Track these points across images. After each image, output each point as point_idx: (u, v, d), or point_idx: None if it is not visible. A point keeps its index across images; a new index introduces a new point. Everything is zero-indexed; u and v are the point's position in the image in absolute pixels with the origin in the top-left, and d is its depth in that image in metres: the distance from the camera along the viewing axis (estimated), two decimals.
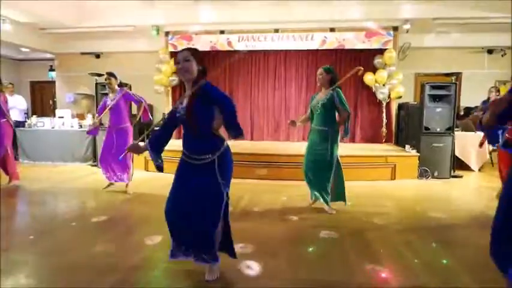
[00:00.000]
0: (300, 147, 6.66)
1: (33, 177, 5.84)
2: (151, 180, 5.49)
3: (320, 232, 3.42)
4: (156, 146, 2.46)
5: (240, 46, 7.84)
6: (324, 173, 3.95)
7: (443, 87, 6.10)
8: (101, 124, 5.61)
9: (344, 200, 4.09)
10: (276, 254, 2.86)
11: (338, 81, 3.93)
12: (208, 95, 2.20)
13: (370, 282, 2.45)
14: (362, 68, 4.19)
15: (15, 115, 7.61)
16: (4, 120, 5.23)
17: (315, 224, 3.65)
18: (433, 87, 6.09)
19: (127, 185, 4.87)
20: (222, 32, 7.88)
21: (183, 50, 2.31)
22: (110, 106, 4.70)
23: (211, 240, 2.28)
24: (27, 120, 7.64)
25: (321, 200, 4.05)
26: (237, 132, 2.23)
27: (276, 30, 7.71)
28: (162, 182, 5.22)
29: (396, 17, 7.17)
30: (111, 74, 4.80)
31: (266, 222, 3.76)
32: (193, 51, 2.28)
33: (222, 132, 2.32)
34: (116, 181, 4.91)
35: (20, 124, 7.51)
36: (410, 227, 3.61)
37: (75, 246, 3.02)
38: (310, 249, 3.03)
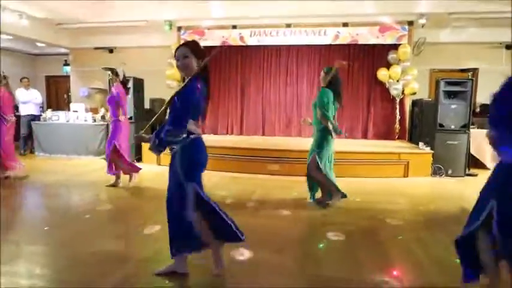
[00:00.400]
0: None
1: (48, 170, 5.96)
2: (164, 175, 5.52)
3: (330, 229, 3.40)
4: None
5: (252, 41, 7.82)
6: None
7: (459, 84, 5.97)
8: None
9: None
10: (285, 250, 2.86)
11: (337, 81, 3.96)
12: (181, 89, 2.17)
13: (380, 279, 2.43)
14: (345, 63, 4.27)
15: (31, 109, 7.78)
16: None
17: (325, 221, 3.64)
18: (449, 84, 5.97)
19: (132, 176, 4.98)
20: (234, 26, 7.86)
21: (182, 45, 2.29)
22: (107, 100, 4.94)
23: (180, 229, 2.29)
24: (42, 114, 7.77)
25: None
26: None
27: (288, 25, 7.66)
28: None
29: (411, 12, 7.03)
30: (110, 70, 4.93)
31: (276, 218, 3.76)
32: (193, 47, 2.25)
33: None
34: (124, 173, 5.01)
35: (35, 118, 7.67)
36: (423, 224, 3.56)
37: (88, 238, 3.08)
38: (320, 245, 3.02)
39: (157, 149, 2.24)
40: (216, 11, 7.46)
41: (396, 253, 2.84)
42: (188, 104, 2.14)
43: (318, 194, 4.20)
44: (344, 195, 4.06)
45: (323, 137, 3.92)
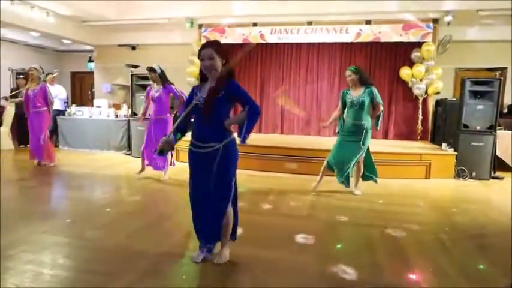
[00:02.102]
0: (331, 142, 6.57)
1: (71, 164, 6.13)
2: (182, 170, 5.59)
3: (349, 229, 3.37)
4: (180, 131, 2.55)
5: (272, 39, 7.80)
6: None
7: (485, 83, 5.78)
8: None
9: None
10: (304, 250, 2.84)
11: (367, 78, 4.42)
12: (233, 94, 2.34)
13: (399, 283, 2.38)
14: None
15: (56, 104, 7.99)
16: (45, 109, 5.68)
17: (344, 221, 3.60)
18: (475, 83, 5.79)
19: (164, 172, 5.03)
20: (254, 24, 7.86)
21: (206, 46, 2.35)
22: (153, 98, 4.95)
23: (216, 227, 2.47)
24: (67, 109, 8.00)
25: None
26: (246, 137, 2.34)
27: (309, 23, 7.59)
28: None
29: (437, 9, 6.84)
30: (151, 69, 4.94)
31: (294, 217, 3.74)
32: (217, 47, 2.32)
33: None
34: (155, 169, 5.07)
35: (60, 113, 7.90)
36: (444, 228, 3.46)
37: (109, 231, 3.15)
38: (338, 246, 2.98)
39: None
40: (237, 8, 7.48)
41: (417, 257, 2.77)
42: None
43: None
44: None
45: (370, 128, 4.34)
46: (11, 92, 7.96)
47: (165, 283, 2.30)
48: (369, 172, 4.57)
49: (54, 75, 7.37)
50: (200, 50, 2.34)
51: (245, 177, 5.41)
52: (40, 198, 4.36)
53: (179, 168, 5.68)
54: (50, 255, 2.60)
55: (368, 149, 4.47)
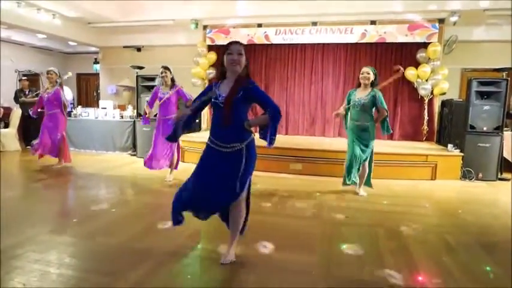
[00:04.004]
0: (335, 143, 6.56)
1: (78, 165, 6.16)
2: (187, 171, 5.60)
3: (355, 230, 3.36)
4: (186, 124, 2.65)
5: (277, 39, 7.80)
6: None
7: (492, 84, 5.73)
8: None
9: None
10: (308, 250, 2.84)
11: (377, 82, 4.34)
12: (254, 94, 2.37)
13: (406, 285, 2.37)
14: (401, 68, 4.60)
15: None
16: (58, 111, 5.77)
17: (349, 222, 3.59)
18: (481, 83, 5.75)
19: (170, 171, 5.05)
20: (259, 25, 7.87)
21: (236, 42, 2.43)
22: (162, 99, 4.91)
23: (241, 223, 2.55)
24: (73, 110, 8.05)
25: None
26: (273, 140, 2.39)
27: (314, 23, 7.59)
28: None
29: (443, 9, 6.80)
30: (167, 68, 4.95)
31: (299, 217, 3.73)
32: (244, 47, 2.42)
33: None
34: (160, 168, 5.05)
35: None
36: (450, 229, 3.44)
37: (114, 231, 3.17)
38: (344, 246, 2.97)
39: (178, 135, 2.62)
40: (242, 9, 7.49)
41: (422, 258, 2.76)
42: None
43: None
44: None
45: (374, 130, 4.37)
46: (18, 94, 8.07)
47: (170, 283, 2.31)
48: (369, 177, 4.57)
49: (66, 77, 7.33)
50: (229, 44, 2.40)
51: None
52: (47, 198, 4.40)
53: (184, 170, 5.69)
54: (56, 255, 2.62)
55: (372, 153, 4.45)
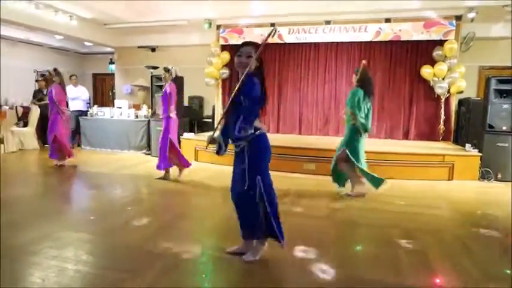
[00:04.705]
0: None
1: (94, 163, 6.28)
2: (201, 171, 5.65)
3: (370, 231, 3.32)
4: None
5: (290, 39, 7.77)
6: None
7: (511, 82, 5.59)
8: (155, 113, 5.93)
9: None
10: (323, 251, 2.81)
11: (365, 81, 4.24)
12: (243, 87, 2.31)
13: (421, 284, 2.32)
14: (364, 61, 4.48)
15: (79, 105, 8.23)
16: (55, 110, 5.75)
17: (364, 222, 3.55)
18: (500, 82, 5.61)
19: (180, 171, 5.09)
20: (272, 24, 7.83)
21: (248, 43, 2.46)
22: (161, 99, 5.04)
23: (250, 224, 2.50)
24: (89, 109, 8.20)
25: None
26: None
27: (328, 22, 7.53)
28: (210, 173, 5.39)
29: (460, 5, 6.66)
30: (166, 70, 5.03)
31: (313, 218, 3.71)
32: (256, 47, 2.40)
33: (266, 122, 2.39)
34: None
35: (82, 113, 8.11)
36: (468, 231, 3.37)
37: (130, 229, 3.21)
38: (359, 247, 2.94)
39: (225, 148, 2.49)
40: (255, 9, 7.48)
41: (439, 260, 2.70)
42: (255, 100, 2.34)
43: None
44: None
45: (352, 135, 4.25)
46: (37, 94, 8.27)
47: (186, 282, 2.32)
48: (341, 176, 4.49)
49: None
50: (241, 46, 2.43)
51: None
52: (64, 196, 4.49)
53: (197, 169, 5.73)
54: (73, 251, 2.67)
55: (353, 154, 4.25)
